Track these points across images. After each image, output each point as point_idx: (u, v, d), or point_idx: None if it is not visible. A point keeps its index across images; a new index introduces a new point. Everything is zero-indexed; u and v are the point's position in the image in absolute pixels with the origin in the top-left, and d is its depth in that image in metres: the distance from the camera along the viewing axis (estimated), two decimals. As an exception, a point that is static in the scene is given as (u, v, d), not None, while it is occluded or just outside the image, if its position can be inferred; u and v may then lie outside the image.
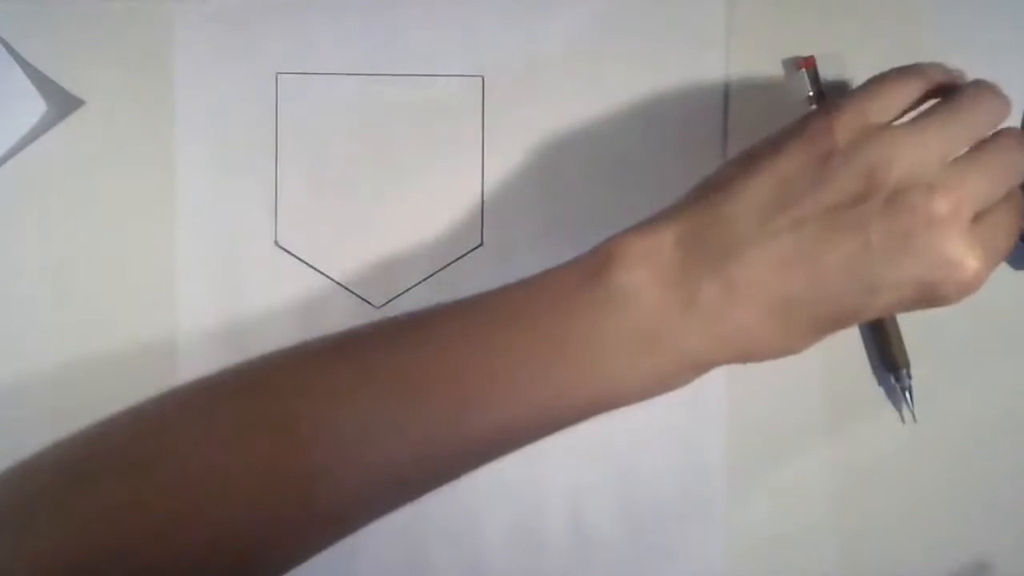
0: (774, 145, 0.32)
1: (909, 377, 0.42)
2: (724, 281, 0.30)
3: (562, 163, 0.43)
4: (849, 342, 0.43)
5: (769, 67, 0.43)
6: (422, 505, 0.42)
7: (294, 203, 0.43)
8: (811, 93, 0.42)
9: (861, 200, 0.30)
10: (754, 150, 0.32)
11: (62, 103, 0.42)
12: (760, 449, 0.43)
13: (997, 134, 0.33)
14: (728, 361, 0.32)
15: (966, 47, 0.43)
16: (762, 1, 0.43)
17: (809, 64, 0.42)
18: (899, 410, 0.43)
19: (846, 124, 0.31)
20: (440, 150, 0.43)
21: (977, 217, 0.31)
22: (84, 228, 0.42)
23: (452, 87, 0.43)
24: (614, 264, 0.31)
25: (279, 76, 0.43)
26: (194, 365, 0.42)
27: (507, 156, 0.43)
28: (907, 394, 0.42)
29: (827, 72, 0.42)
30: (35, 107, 0.41)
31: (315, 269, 0.43)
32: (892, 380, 0.42)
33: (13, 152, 0.42)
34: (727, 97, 0.43)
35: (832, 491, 0.43)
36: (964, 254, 0.30)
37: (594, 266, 0.32)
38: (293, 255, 0.43)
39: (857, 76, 0.42)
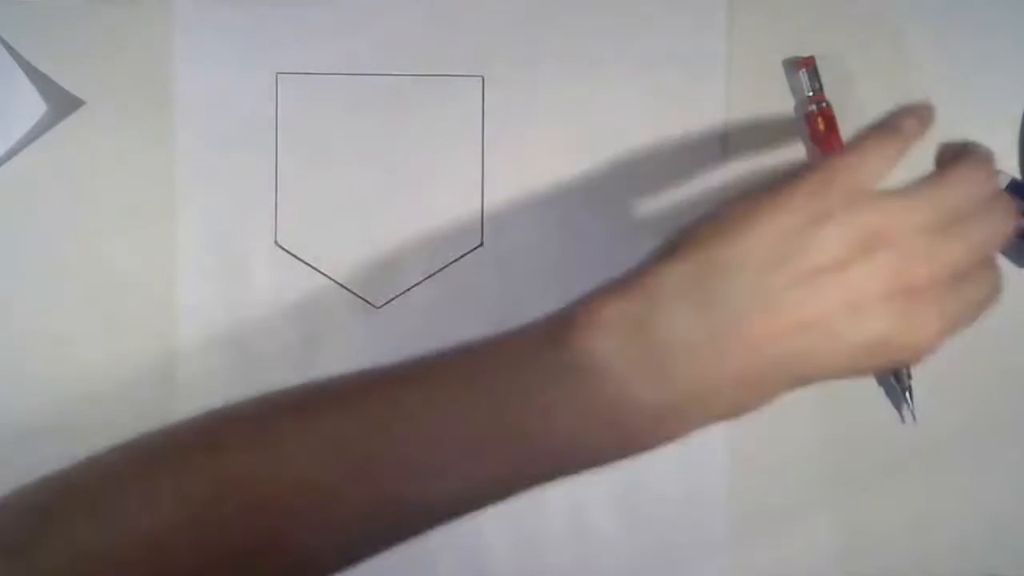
0: (772, 199, 0.31)
1: (909, 377, 0.42)
2: (715, 334, 0.29)
3: (562, 163, 0.43)
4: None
5: (770, 65, 0.43)
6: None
7: (294, 203, 0.43)
8: (810, 93, 0.42)
9: (851, 264, 0.30)
10: (751, 201, 0.32)
11: (62, 103, 0.42)
12: (760, 449, 0.43)
13: (987, 203, 0.33)
14: (698, 425, 0.30)
15: (966, 44, 0.43)
16: (764, 4, 0.43)
17: (809, 65, 0.42)
18: (899, 410, 0.43)
19: (842, 186, 0.31)
20: (440, 150, 0.43)
21: (950, 284, 0.31)
22: (84, 228, 0.42)
23: (452, 87, 0.43)
24: (577, 331, 0.30)
25: (279, 76, 0.43)
26: (194, 365, 0.42)
27: (507, 156, 0.43)
28: (907, 394, 0.42)
29: (827, 72, 0.42)
30: (35, 107, 0.41)
31: (315, 269, 0.43)
32: (892, 380, 0.42)
33: (13, 152, 0.42)
34: (728, 95, 0.43)
35: (833, 491, 0.43)
36: (931, 322, 0.31)
37: (554, 332, 0.30)
38: (293, 255, 0.43)
39: (857, 76, 0.43)
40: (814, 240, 0.30)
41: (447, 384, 0.31)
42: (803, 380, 0.31)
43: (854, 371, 0.31)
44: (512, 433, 0.30)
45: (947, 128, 0.43)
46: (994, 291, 0.33)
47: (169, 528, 0.30)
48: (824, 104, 0.42)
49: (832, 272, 0.30)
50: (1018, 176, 0.42)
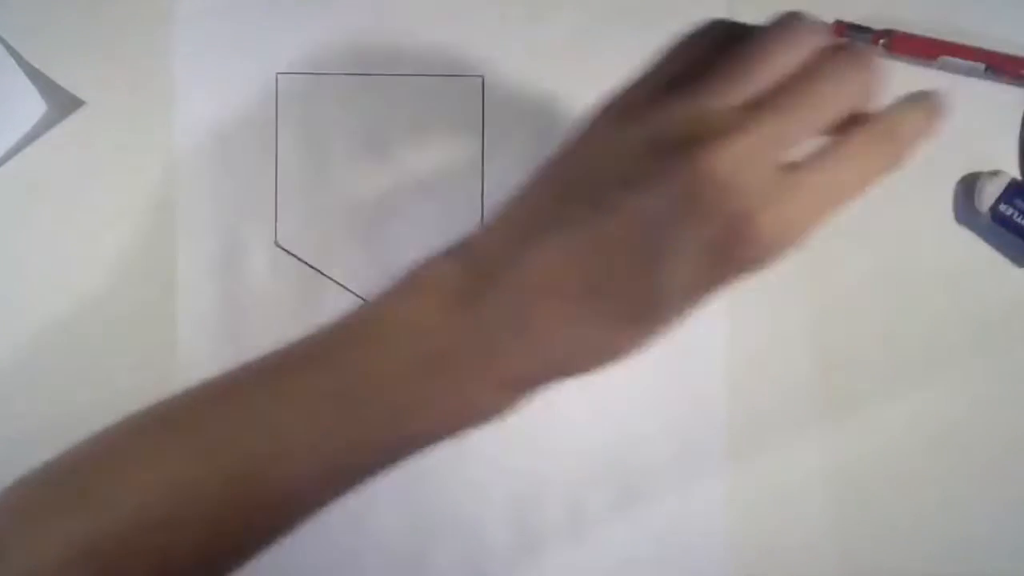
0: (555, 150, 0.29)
1: None
2: (513, 285, 0.27)
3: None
4: (849, 341, 0.43)
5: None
6: (422, 498, 0.42)
7: (294, 203, 0.43)
8: None
9: (639, 164, 0.26)
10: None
11: (62, 103, 0.42)
12: (759, 440, 0.43)
13: (816, 61, 0.27)
14: (549, 376, 0.28)
15: (966, 42, 0.43)
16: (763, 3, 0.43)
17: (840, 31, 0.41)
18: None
19: (615, 100, 0.28)
20: (440, 150, 0.43)
21: (795, 164, 0.26)
22: (84, 228, 0.42)
23: (452, 87, 0.43)
24: (392, 295, 0.30)
25: (279, 76, 0.43)
26: (194, 365, 0.42)
27: (507, 156, 0.43)
28: None
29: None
30: (35, 107, 0.41)
31: (315, 269, 0.43)
32: None
33: (13, 152, 0.42)
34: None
35: (833, 485, 0.43)
36: (756, 210, 0.25)
37: (374, 300, 0.30)
38: (293, 255, 0.43)
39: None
40: (590, 155, 0.28)
41: (295, 376, 0.30)
42: (641, 312, 0.27)
43: (694, 288, 0.27)
44: (341, 403, 0.29)
45: (946, 127, 0.43)
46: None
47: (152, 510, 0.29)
48: None
49: (614, 178, 0.26)
50: (1018, 176, 0.42)
